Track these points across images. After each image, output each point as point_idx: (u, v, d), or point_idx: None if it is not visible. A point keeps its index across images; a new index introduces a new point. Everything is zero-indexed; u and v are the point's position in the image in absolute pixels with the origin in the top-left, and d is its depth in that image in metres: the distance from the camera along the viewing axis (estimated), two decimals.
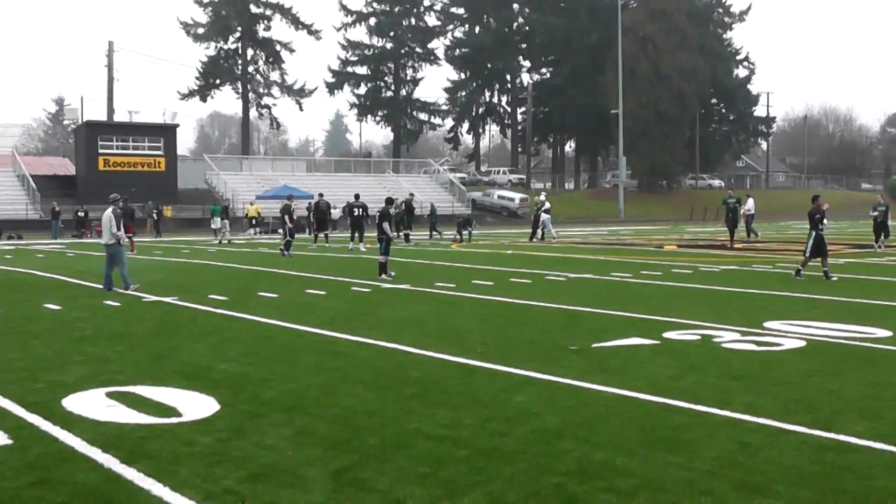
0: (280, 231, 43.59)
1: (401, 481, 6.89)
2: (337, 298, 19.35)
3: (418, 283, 22.33)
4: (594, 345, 12.95)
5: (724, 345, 12.97)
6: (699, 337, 13.64)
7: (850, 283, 21.85)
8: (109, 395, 9.81)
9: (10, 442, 8.05)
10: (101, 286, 20.58)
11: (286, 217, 34.92)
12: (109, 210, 20.71)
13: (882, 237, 35.61)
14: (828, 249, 23.31)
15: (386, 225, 24.07)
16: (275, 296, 19.76)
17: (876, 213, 36.10)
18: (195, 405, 9.30)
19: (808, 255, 22.98)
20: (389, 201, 25.47)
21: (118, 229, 20.41)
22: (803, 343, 13.06)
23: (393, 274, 23.38)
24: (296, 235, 36.02)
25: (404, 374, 11.08)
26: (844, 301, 18.38)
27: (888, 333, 13.91)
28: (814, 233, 22.79)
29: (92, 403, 9.40)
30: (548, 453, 7.62)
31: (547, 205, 47.52)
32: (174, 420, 8.75)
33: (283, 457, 7.54)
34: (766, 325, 14.85)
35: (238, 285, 22.23)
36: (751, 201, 46.32)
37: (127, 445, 7.82)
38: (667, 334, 13.85)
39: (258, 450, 7.74)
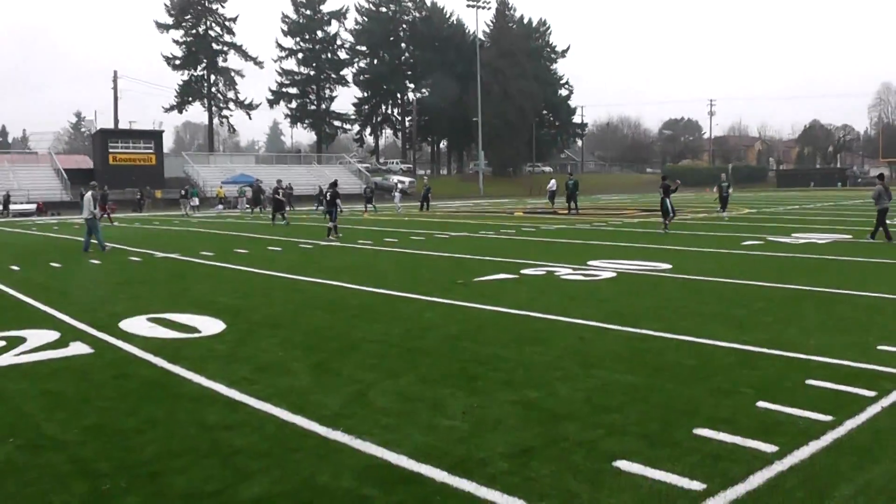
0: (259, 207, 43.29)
1: (358, 369, 7.24)
2: (291, 253, 19.29)
3: (345, 241, 22.40)
4: (475, 279, 13.24)
5: (562, 277, 13.40)
6: (545, 272, 14.01)
7: (644, 235, 22.73)
8: (149, 319, 9.90)
9: (91, 351, 8.23)
10: (118, 246, 20.26)
11: (276, 194, 33.40)
12: (88, 193, 20.15)
13: (719, 208, 31.68)
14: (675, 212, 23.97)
15: (339, 200, 24.40)
16: (246, 251, 19.64)
17: (723, 186, 32.03)
18: (209, 325, 9.47)
19: (672, 214, 23.46)
20: (335, 184, 25.24)
21: (94, 208, 19.80)
22: (615, 274, 13.61)
23: (340, 235, 23.59)
24: (284, 208, 33.94)
25: (347, 302, 11.30)
26: (641, 246, 18.92)
27: (669, 266, 14.60)
28: (666, 199, 23.33)
29: (139, 325, 9.52)
30: (453, 349, 7.98)
31: (399, 186, 48.24)
32: (197, 335, 8.93)
33: (275, 356, 7.80)
34: (589, 263, 15.32)
35: (219, 245, 21.88)
36: (553, 182, 46.27)
37: (169, 352, 8.01)
38: (523, 271, 14.18)
39: (258, 352, 7.99)
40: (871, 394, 6.10)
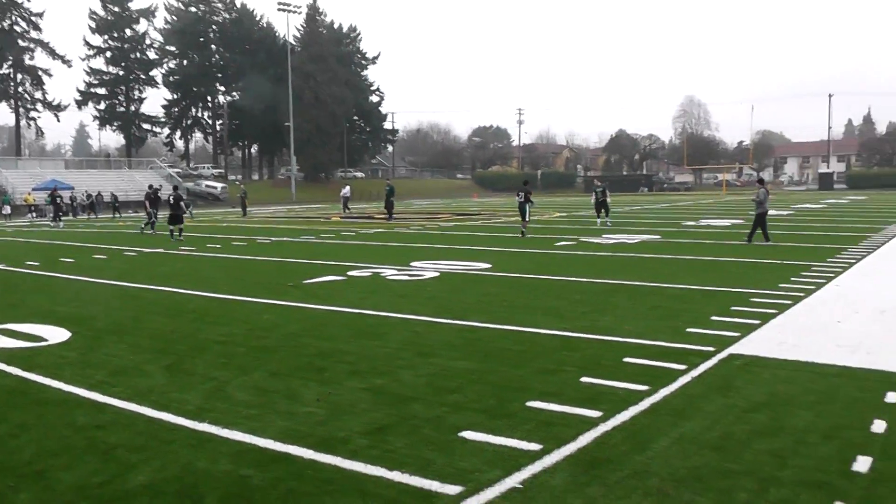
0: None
1: (210, 367, 7.51)
2: (117, 261, 18.72)
3: (171, 248, 22.02)
4: (304, 282, 13.60)
5: (388, 277, 14.03)
6: (371, 273, 14.56)
7: (461, 237, 23.78)
8: None
9: None
10: None
11: (147, 202, 30.11)
12: None
13: (603, 213, 28.35)
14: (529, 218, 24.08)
15: (183, 203, 26.44)
16: (72, 260, 18.87)
17: (597, 192, 28.74)
18: (54, 334, 9.32)
19: (526, 219, 23.81)
20: (176, 188, 27.71)
21: None
22: (437, 274, 14.39)
23: (182, 238, 24.79)
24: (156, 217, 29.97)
25: (184, 307, 11.38)
26: (460, 248, 19.86)
27: (489, 265, 15.59)
28: (526, 204, 23.83)
29: None
30: (297, 346, 8.40)
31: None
32: (45, 343, 8.81)
33: (128, 360, 7.90)
34: (411, 264, 16.03)
35: (43, 255, 20.72)
36: (347, 188, 46.39)
37: (21, 361, 7.92)
38: (350, 273, 14.67)
39: (109, 357, 8.05)
40: (682, 367, 7.16)
